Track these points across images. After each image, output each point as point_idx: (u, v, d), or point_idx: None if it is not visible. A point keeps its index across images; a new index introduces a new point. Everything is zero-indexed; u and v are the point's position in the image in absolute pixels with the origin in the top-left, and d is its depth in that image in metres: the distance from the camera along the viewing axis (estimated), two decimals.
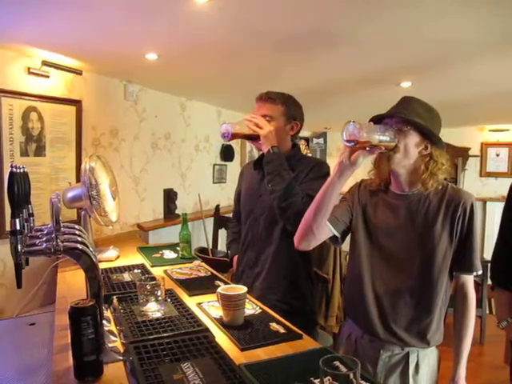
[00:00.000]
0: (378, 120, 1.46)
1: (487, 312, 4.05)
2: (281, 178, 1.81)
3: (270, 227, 1.98)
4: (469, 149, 6.68)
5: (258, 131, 1.87)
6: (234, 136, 1.90)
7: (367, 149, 1.32)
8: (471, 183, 6.59)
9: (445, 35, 2.22)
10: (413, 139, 1.42)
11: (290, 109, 1.99)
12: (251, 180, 2.14)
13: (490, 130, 6.64)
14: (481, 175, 6.75)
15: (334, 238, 1.58)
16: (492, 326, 2.26)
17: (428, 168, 1.43)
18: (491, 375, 3.35)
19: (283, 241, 1.93)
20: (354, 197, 1.62)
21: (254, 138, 1.94)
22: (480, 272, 1.48)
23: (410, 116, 1.41)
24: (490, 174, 6.70)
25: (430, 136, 1.43)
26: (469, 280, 1.51)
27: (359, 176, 1.64)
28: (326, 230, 1.52)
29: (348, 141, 1.26)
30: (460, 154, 6.52)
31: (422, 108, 1.45)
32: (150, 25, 2.11)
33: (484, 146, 6.70)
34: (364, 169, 1.59)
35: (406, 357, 1.48)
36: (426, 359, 1.49)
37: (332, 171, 1.41)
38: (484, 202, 6.48)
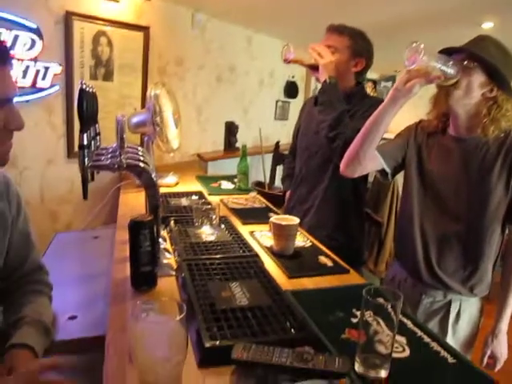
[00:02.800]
0: (447, 54, 1.34)
1: None
2: (332, 107, 1.76)
3: (324, 164, 1.96)
4: None
5: (319, 60, 1.81)
6: (294, 61, 1.86)
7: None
8: None
9: None
10: (478, 78, 1.31)
11: (356, 43, 1.89)
12: (310, 115, 2.09)
13: None
14: None
15: (383, 172, 1.57)
16: None
17: (490, 113, 1.33)
18: None
19: (336, 178, 1.90)
20: (410, 135, 1.56)
21: (314, 68, 1.88)
22: None
23: (479, 53, 1.30)
24: None
25: (498, 78, 1.31)
26: None
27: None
28: (373, 160, 1.51)
29: (408, 64, 1.19)
30: None
31: (496, 49, 1.33)
32: None
33: None
34: (423, 111, 1.52)
35: (448, 305, 1.47)
36: (467, 310, 1.47)
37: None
38: None
